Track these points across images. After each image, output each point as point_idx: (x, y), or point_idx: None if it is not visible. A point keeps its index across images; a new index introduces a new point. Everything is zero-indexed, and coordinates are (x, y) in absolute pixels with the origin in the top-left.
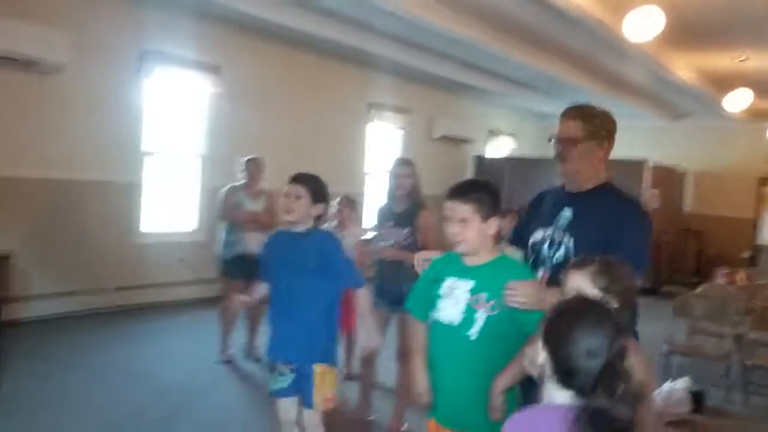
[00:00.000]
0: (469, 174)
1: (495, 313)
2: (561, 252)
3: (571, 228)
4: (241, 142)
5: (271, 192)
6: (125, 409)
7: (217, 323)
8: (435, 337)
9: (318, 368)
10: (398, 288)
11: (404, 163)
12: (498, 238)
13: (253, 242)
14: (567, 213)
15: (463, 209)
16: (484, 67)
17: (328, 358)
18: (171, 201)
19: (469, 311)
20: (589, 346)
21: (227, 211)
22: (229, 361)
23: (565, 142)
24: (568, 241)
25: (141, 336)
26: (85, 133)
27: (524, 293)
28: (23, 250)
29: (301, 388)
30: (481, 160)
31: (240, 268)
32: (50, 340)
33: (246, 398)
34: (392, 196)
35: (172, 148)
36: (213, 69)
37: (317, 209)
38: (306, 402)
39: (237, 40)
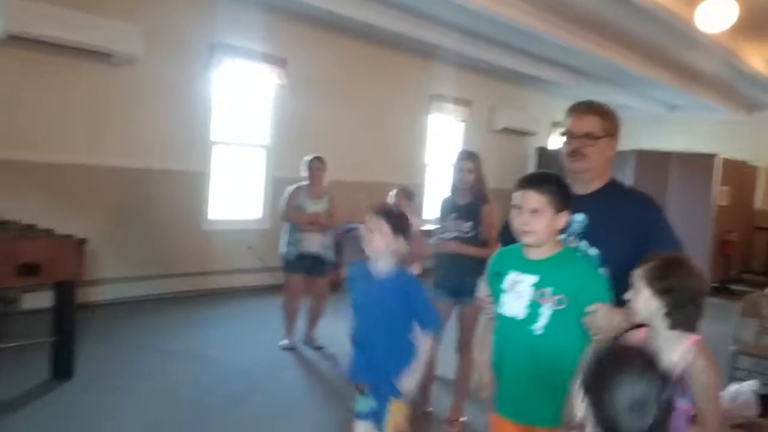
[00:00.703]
0: (531, 167)
1: (561, 307)
2: None
3: (590, 236)
4: (305, 134)
5: (332, 194)
6: (192, 392)
7: (280, 311)
8: (499, 331)
9: (393, 401)
10: (459, 280)
11: (468, 156)
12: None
13: (314, 242)
14: (578, 218)
15: (537, 199)
16: (549, 58)
17: (400, 393)
18: (237, 190)
19: (534, 306)
20: (634, 400)
21: (289, 213)
22: (291, 349)
23: (583, 138)
24: (589, 249)
25: (207, 321)
26: (156, 123)
27: (605, 320)
28: (98, 236)
29: (376, 415)
30: (543, 153)
31: (301, 266)
32: (121, 323)
33: (307, 385)
34: (455, 189)
35: (238, 139)
36: (279, 61)
37: (399, 244)
38: (378, 426)
39: (303, 32)
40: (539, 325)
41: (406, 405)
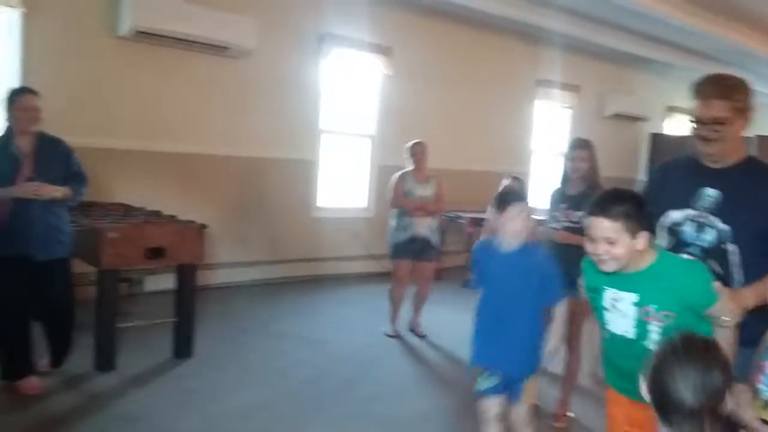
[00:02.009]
0: (644, 154)
1: (669, 322)
2: (711, 236)
3: (723, 210)
4: (409, 123)
5: (439, 177)
6: (303, 374)
7: (385, 298)
8: (612, 344)
9: (527, 379)
10: (568, 272)
11: (581, 145)
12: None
13: (422, 226)
14: (710, 192)
15: (609, 227)
16: (664, 39)
17: (535, 369)
18: (344, 179)
19: (641, 325)
20: (685, 388)
21: (398, 198)
22: (396, 336)
23: (712, 125)
24: (720, 225)
25: (316, 305)
26: (269, 113)
27: (731, 313)
28: (215, 222)
29: (510, 389)
30: (657, 139)
31: (409, 252)
32: (237, 305)
33: (414, 371)
34: (566, 178)
35: (345, 128)
36: (385, 50)
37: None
38: (513, 398)
39: (408, 21)
40: (651, 341)
41: (536, 376)
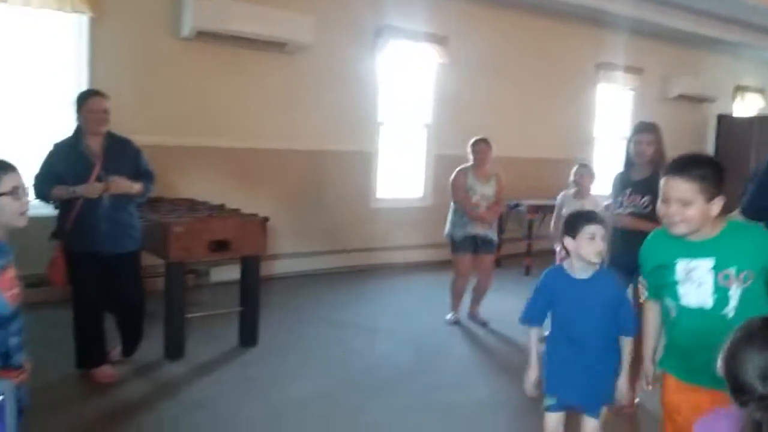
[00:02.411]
0: (710, 136)
1: (749, 284)
2: None
3: None
4: (466, 112)
5: (500, 175)
6: (362, 363)
7: (445, 286)
8: (683, 322)
9: (603, 409)
10: (633, 258)
11: (647, 129)
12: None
13: (481, 226)
14: None
15: (685, 188)
16: (733, 18)
17: (611, 399)
18: (402, 169)
19: (721, 291)
20: (756, 375)
21: (459, 197)
22: (457, 322)
23: None
24: None
25: (375, 295)
26: (328, 107)
27: None
28: (276, 215)
29: (584, 409)
30: (724, 120)
31: (468, 247)
32: (298, 295)
33: (475, 360)
34: (630, 163)
35: (402, 118)
36: (441, 40)
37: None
38: (590, 413)
39: (464, 9)
40: (730, 308)
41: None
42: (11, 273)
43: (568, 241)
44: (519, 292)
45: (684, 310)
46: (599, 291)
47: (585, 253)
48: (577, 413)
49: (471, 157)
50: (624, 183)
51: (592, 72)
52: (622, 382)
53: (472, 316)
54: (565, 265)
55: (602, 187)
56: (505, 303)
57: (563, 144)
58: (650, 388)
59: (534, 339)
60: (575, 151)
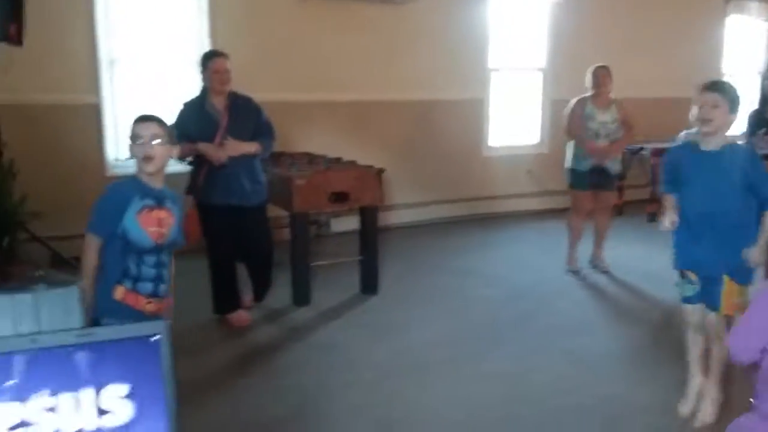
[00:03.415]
0: None
1: None
2: None
3: None
4: (583, 53)
5: (621, 102)
6: (481, 310)
7: (561, 235)
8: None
9: (726, 279)
10: None
11: None
12: None
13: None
14: None
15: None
16: None
17: (739, 276)
18: (515, 116)
19: None
20: None
21: (574, 126)
22: (575, 272)
23: None
24: None
25: (490, 243)
26: (438, 56)
27: None
28: (390, 165)
29: (709, 293)
30: None
31: (588, 181)
32: (414, 244)
33: (595, 306)
34: (765, 101)
35: (515, 63)
36: None
37: (732, 119)
38: (712, 305)
39: None
40: None
41: (743, 287)
42: (161, 215)
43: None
44: (642, 241)
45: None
46: (727, 159)
47: (694, 118)
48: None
49: (589, 86)
50: (759, 122)
51: (721, 3)
52: (755, 250)
53: (596, 262)
54: (695, 137)
55: (734, 126)
56: (626, 251)
57: (689, 82)
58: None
59: (668, 204)
60: None
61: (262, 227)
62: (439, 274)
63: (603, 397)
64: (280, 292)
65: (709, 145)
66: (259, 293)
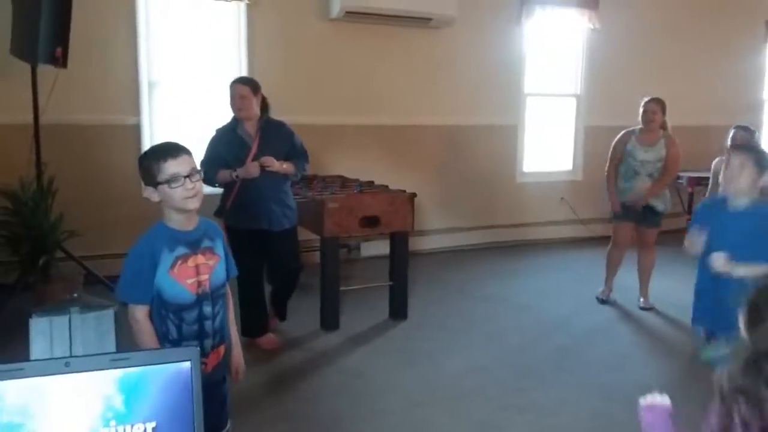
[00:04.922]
0: None
1: None
2: None
3: None
4: (618, 79)
5: (673, 139)
6: (512, 339)
7: (596, 263)
8: None
9: None
10: None
11: None
12: None
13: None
14: None
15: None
16: None
17: None
18: (549, 142)
19: None
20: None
21: (611, 165)
22: (604, 300)
23: None
24: None
25: (523, 271)
26: (473, 81)
27: None
28: (423, 190)
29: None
30: None
31: (629, 216)
32: (445, 270)
33: (633, 340)
34: None
35: (549, 89)
36: (591, 3)
37: (763, 179)
38: None
39: None
40: None
41: None
42: (199, 260)
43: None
44: (677, 270)
45: None
46: (754, 221)
47: (729, 185)
48: None
49: (641, 118)
50: None
51: (761, 28)
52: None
53: (643, 305)
54: (725, 194)
55: None
56: (661, 281)
57: (727, 109)
58: None
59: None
60: (742, 116)
61: (290, 248)
62: (470, 301)
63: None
64: (309, 316)
65: (739, 203)
66: (282, 310)
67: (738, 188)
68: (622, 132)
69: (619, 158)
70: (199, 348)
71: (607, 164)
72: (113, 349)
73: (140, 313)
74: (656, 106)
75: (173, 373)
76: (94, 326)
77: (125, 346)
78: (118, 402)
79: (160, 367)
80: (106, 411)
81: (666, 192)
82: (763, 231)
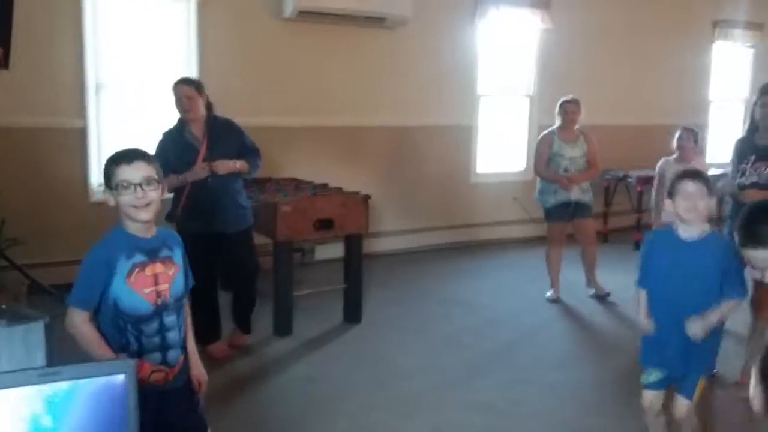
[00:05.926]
0: None
1: None
2: None
3: None
4: (571, 79)
5: (588, 134)
6: (465, 339)
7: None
8: None
9: (700, 381)
10: None
11: None
12: None
13: (573, 191)
14: None
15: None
16: None
17: (709, 370)
18: (502, 142)
19: None
20: None
21: (538, 168)
22: (557, 301)
23: None
24: None
25: (476, 271)
26: (426, 81)
27: None
28: (377, 192)
29: (679, 387)
30: None
31: (562, 214)
32: (400, 272)
33: (578, 337)
34: (755, 128)
35: (503, 89)
36: (543, 4)
37: (712, 204)
38: (685, 393)
39: None
40: None
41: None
42: (157, 269)
43: (668, 203)
44: (628, 269)
45: None
46: (705, 254)
47: (679, 209)
48: (673, 391)
49: (558, 118)
50: (748, 149)
51: (707, 30)
52: (703, 322)
53: (595, 292)
54: (674, 226)
55: (720, 154)
56: (611, 280)
57: (676, 109)
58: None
59: (643, 301)
60: (688, 116)
61: (247, 250)
62: (424, 302)
63: (587, 429)
64: (262, 322)
65: (691, 234)
66: (244, 321)
67: (700, 219)
68: (542, 134)
69: (546, 160)
70: (135, 361)
71: (536, 165)
72: (43, 363)
73: (78, 317)
74: (576, 106)
75: (107, 386)
76: (22, 339)
77: (67, 360)
78: (47, 420)
79: (92, 380)
80: (32, 430)
81: (589, 188)
82: (718, 262)
